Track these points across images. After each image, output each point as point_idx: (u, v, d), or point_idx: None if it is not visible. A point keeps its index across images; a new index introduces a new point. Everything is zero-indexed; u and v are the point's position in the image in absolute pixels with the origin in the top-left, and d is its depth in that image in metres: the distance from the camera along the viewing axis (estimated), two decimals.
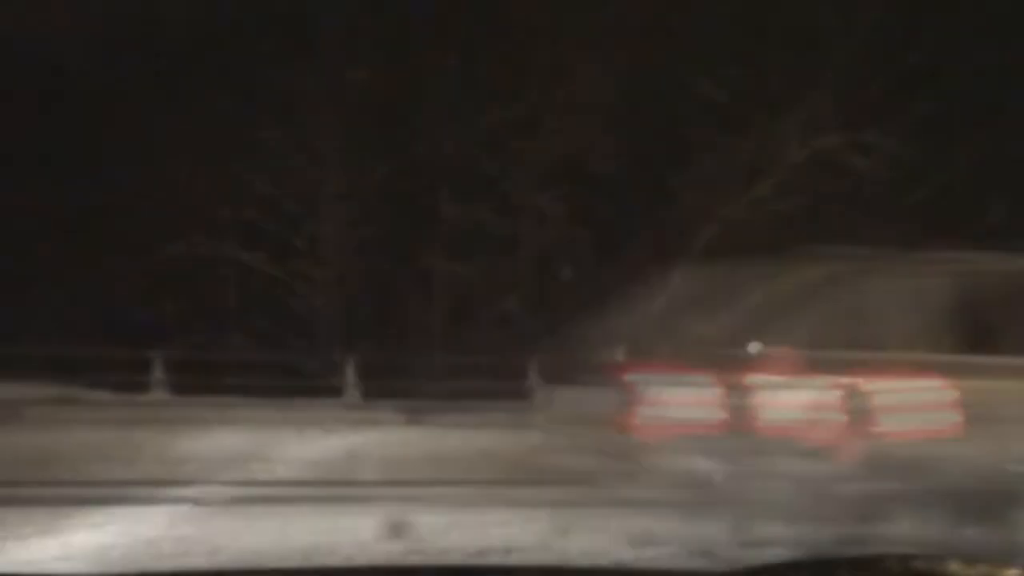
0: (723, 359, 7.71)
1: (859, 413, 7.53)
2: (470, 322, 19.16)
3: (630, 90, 18.28)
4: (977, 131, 18.40)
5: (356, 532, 6.82)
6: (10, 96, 17.66)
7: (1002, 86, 18.16)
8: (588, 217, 18.97)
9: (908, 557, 1.14)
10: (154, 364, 16.04)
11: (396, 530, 6.61)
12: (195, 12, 18.30)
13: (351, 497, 8.32)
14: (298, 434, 13.72)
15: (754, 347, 7.59)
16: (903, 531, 6.89)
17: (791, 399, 7.50)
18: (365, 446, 12.38)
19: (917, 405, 7.68)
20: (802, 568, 1.13)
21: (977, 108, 18.77)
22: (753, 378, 7.53)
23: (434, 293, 19.82)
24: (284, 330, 19.81)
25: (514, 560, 6.34)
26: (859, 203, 18.66)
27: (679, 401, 7.65)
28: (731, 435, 7.46)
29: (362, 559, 6.34)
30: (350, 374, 16.76)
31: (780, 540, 6.56)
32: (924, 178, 17.81)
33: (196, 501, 8.26)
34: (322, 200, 19.37)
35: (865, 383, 7.58)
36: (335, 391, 16.51)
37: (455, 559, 6.32)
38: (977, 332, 7.83)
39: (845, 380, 7.61)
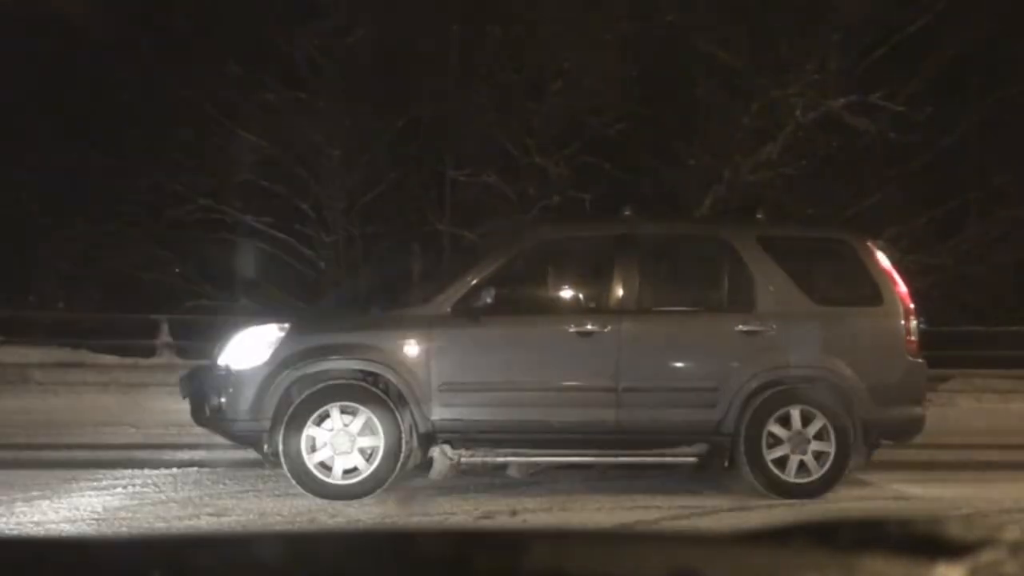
0: None
1: None
2: None
3: (637, 52, 18.15)
4: (985, 95, 18.28)
5: None
6: (16, 54, 17.58)
7: (1010, 49, 18.02)
8: (594, 180, 18.88)
9: (908, 521, 1.14)
10: (160, 327, 16.06)
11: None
12: None
13: None
14: None
15: None
16: None
17: None
18: None
19: None
20: (806, 531, 1.12)
21: (985, 72, 18.65)
22: None
23: (440, 256, 19.81)
24: (290, 294, 19.84)
25: (519, 523, 6.37)
26: (866, 167, 18.59)
27: None
28: None
29: (367, 521, 6.38)
30: None
31: None
32: (931, 142, 17.69)
33: (202, 464, 8.31)
34: (328, 163, 19.31)
35: None
36: None
37: (458, 522, 6.36)
38: None
39: None
